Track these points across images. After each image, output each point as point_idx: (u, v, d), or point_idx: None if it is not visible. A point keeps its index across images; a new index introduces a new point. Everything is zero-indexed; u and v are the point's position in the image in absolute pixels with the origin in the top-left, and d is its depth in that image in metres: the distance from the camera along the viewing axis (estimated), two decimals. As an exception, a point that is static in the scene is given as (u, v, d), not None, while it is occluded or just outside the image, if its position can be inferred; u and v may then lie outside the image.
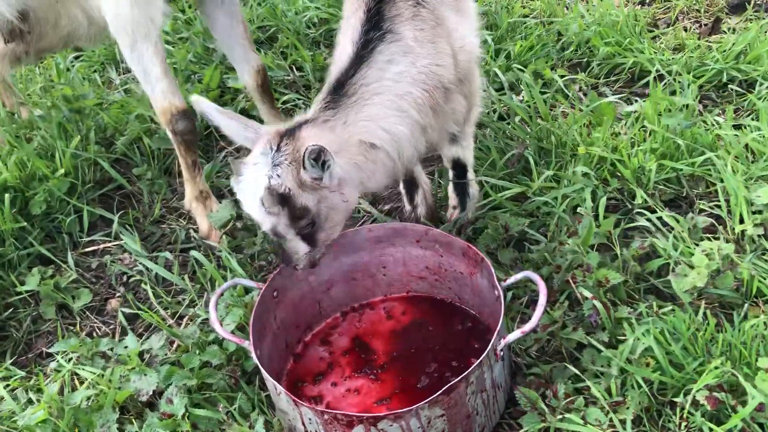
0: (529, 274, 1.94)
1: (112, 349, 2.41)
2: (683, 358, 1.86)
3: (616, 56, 3.20)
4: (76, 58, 4.03)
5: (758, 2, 3.39)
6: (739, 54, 3.02)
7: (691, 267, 2.08)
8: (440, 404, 1.75)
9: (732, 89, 2.95)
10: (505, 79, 3.09)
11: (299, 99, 3.44)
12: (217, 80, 3.55)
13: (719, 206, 2.40)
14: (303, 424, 1.85)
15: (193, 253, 2.66)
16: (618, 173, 2.56)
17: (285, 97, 3.42)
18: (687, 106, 2.63)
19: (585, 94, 3.08)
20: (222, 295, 2.11)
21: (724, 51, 3.05)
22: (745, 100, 2.90)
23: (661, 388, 1.90)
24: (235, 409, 2.07)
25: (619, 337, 2.01)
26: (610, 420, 1.81)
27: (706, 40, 3.23)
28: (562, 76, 3.13)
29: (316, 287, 2.32)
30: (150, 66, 2.51)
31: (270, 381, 1.87)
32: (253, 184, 1.94)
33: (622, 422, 1.80)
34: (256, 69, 2.88)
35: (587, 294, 1.99)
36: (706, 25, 3.38)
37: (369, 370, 2.19)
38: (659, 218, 2.34)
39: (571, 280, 2.03)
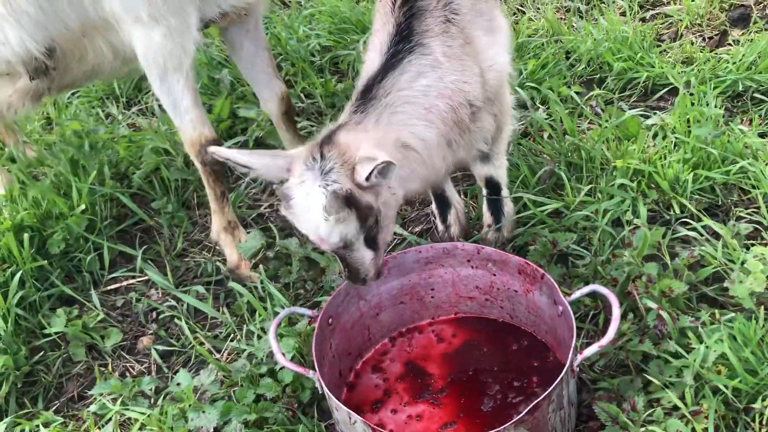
0: (597, 287, 1.93)
1: (152, 389, 2.33)
2: (757, 364, 1.86)
3: (628, 71, 3.24)
4: (73, 94, 3.96)
5: (760, 16, 3.48)
6: (750, 65, 3.09)
7: (746, 273, 2.09)
8: (526, 424, 1.71)
9: (750, 97, 3.00)
10: (526, 96, 3.11)
11: (312, 126, 3.42)
12: (228, 110, 3.52)
13: (757, 212, 2.43)
14: (380, 453, 1.80)
15: (232, 284, 2.59)
16: (653, 185, 2.58)
17: (298, 125, 3.39)
18: (713, 116, 2.67)
19: (602, 110, 3.11)
20: (279, 324, 2.05)
21: (735, 62, 3.12)
22: (762, 109, 2.95)
23: (734, 396, 1.89)
24: (297, 443, 2.01)
25: (684, 348, 2.00)
26: (692, 430, 1.79)
27: (715, 52, 3.29)
28: (577, 93, 3.17)
29: (366, 312, 2.27)
30: (180, 97, 2.47)
31: (343, 410, 1.81)
32: (308, 199, 1.89)
33: (705, 431, 1.79)
34: (280, 96, 2.85)
35: (652, 305, 1.98)
36: (711, 38, 3.46)
37: (428, 395, 2.15)
38: (704, 226, 2.36)
39: (635, 292, 2.02)
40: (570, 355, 1.80)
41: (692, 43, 3.43)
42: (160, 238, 3.03)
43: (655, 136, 2.84)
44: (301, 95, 3.61)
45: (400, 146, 2.05)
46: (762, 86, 3.02)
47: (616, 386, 1.97)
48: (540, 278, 2.07)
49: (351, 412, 1.79)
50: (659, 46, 3.45)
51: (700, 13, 3.55)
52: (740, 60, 3.12)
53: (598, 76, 3.34)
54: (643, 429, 1.79)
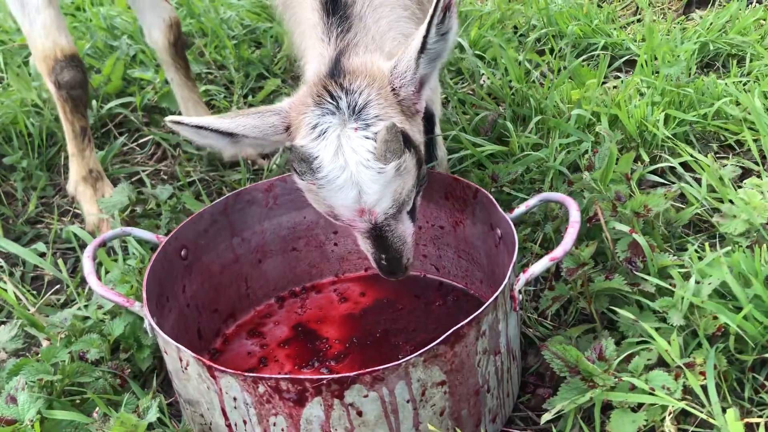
0: (549, 194, 1.40)
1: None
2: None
3: (584, 38, 2.83)
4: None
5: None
6: (723, 26, 2.71)
7: (742, 204, 1.59)
8: (440, 361, 1.13)
9: (722, 64, 2.60)
10: (467, 45, 2.66)
11: (220, 92, 2.90)
12: (120, 72, 2.98)
13: (740, 155, 1.96)
14: (223, 411, 1.18)
15: (72, 228, 1.98)
16: (617, 129, 2.10)
17: (204, 88, 2.87)
18: (686, 52, 2.24)
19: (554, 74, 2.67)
20: (104, 245, 1.45)
21: (705, 27, 2.74)
22: (741, 69, 2.55)
23: (737, 348, 1.35)
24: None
25: (665, 290, 1.46)
26: (684, 387, 1.23)
27: (679, 22, 2.92)
28: (528, 60, 2.73)
29: (243, 256, 1.69)
30: (29, -10, 1.93)
31: (172, 346, 1.20)
32: (342, 154, 1.28)
33: (704, 389, 1.23)
34: (168, 23, 2.32)
35: (623, 228, 1.45)
36: (676, 10, 3.10)
37: (319, 363, 1.55)
38: (682, 164, 1.87)
39: (600, 213, 1.48)
40: (509, 273, 1.24)
41: (654, 20, 3.06)
42: (12, 203, 2.42)
43: (621, 86, 2.39)
44: (212, 62, 3.11)
45: None
46: (736, 50, 2.62)
47: (573, 340, 1.41)
48: (473, 198, 1.53)
49: (182, 348, 1.18)
50: (618, 21, 3.07)
51: (661, -7, 3.21)
52: (710, 25, 2.74)
53: (549, 46, 2.92)
54: (614, 382, 1.22)
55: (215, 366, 1.13)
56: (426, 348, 1.11)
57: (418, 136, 1.39)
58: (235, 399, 1.14)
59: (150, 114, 2.86)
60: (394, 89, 1.35)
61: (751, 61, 2.53)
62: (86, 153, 2.19)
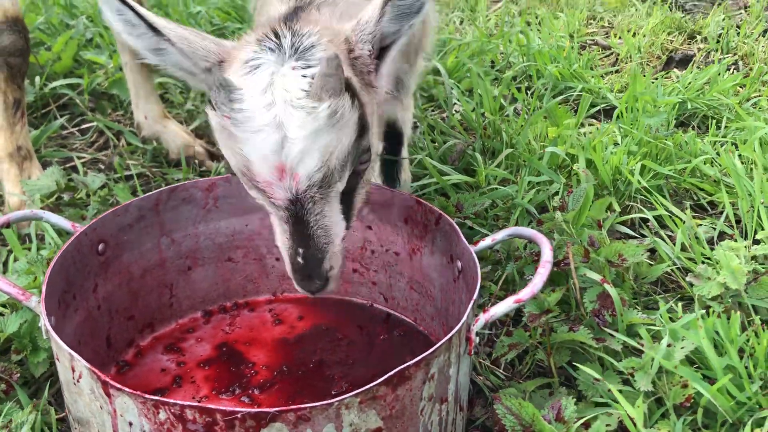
0: (520, 229, 1.26)
1: None
2: (744, 375, 1.20)
3: (562, 80, 2.75)
4: None
5: (703, 61, 3.13)
6: (702, 86, 2.66)
7: (715, 268, 1.49)
8: (379, 404, 0.97)
9: (698, 125, 2.54)
10: (444, 71, 2.54)
11: (176, 87, 2.73)
12: (72, 52, 2.78)
13: (715, 217, 1.87)
14: (116, 438, 0.99)
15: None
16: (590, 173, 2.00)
17: (159, 80, 2.69)
18: (667, 105, 2.16)
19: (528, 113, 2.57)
20: (8, 225, 1.25)
21: (685, 85, 2.68)
22: (704, 135, 2.49)
23: (705, 420, 1.22)
24: (-5, 430, 1.17)
25: (632, 350, 1.33)
26: (649, 461, 1.09)
27: (657, 77, 2.87)
28: (504, 95, 2.63)
29: (170, 259, 1.50)
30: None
31: (65, 351, 1.01)
32: (270, 90, 1.09)
33: (670, 465, 1.09)
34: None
35: (594, 276, 1.32)
36: (654, 66, 3.05)
37: (240, 389, 1.37)
38: (658, 217, 1.77)
39: (570, 258, 1.35)
40: (467, 311, 1.09)
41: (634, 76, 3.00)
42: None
43: (596, 132, 2.30)
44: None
45: None
46: (713, 111, 2.56)
47: (527, 394, 1.26)
48: (435, 224, 1.38)
49: (75, 355, 0.99)
50: (594, 69, 3.01)
51: (641, 49, 3.17)
52: (689, 84, 2.69)
53: (526, 84, 2.83)
54: (573, 449, 1.07)
55: (111, 382, 0.94)
56: (364, 387, 0.95)
57: (368, 108, 1.18)
58: (130, 424, 0.96)
59: (97, 99, 2.66)
60: (349, 44, 1.18)
61: (726, 125, 2.47)
62: (17, 128, 1.98)
